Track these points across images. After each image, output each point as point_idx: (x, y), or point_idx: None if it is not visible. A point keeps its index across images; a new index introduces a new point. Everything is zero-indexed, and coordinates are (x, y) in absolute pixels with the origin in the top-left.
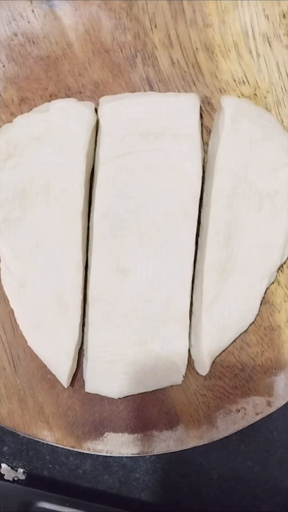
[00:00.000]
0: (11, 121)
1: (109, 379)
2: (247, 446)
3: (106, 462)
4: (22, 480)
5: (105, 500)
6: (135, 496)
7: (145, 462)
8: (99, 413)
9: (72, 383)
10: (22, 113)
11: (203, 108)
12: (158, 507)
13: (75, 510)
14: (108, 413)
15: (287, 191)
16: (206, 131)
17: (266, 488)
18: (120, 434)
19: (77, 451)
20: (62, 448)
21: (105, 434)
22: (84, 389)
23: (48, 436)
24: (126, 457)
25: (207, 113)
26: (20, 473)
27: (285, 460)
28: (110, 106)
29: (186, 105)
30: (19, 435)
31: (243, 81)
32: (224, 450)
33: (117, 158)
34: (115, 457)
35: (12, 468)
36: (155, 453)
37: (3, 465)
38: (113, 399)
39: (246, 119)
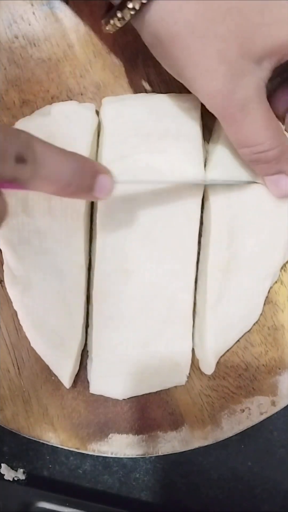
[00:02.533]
0: (12, 124)
1: (113, 380)
2: (247, 446)
3: (106, 462)
4: (22, 480)
5: (105, 500)
6: (135, 496)
7: (145, 462)
8: (103, 415)
9: (76, 385)
10: (23, 115)
11: (204, 108)
12: (158, 507)
13: (75, 510)
14: (113, 414)
15: None
16: (207, 131)
17: (266, 488)
18: (125, 435)
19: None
20: (62, 448)
21: (110, 436)
22: (88, 390)
23: (53, 438)
24: (127, 457)
25: (208, 113)
26: (20, 473)
27: (285, 460)
28: (112, 107)
29: (187, 105)
30: (19, 435)
31: None
32: (224, 450)
33: (119, 159)
34: (115, 457)
35: (12, 468)
36: (159, 454)
37: (3, 465)
38: (117, 400)
39: None
